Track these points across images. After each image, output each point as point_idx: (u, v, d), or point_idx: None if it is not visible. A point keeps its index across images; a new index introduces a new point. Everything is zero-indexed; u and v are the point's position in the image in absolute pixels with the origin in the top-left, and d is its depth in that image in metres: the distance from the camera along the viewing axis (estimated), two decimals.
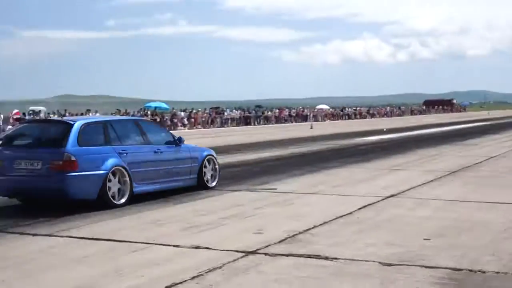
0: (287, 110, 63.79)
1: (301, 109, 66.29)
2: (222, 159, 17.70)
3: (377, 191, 10.70)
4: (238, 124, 52.87)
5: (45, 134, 9.56)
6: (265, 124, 55.53)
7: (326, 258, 6.06)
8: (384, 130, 37.06)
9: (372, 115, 77.05)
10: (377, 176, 13.11)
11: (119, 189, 9.35)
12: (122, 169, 9.36)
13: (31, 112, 47.39)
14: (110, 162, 9.21)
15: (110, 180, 9.13)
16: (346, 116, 71.84)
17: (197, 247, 6.62)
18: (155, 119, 41.67)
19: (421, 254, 6.13)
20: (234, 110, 56.07)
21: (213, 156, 11.68)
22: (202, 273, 5.60)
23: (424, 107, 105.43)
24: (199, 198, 10.34)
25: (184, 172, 10.84)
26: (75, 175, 8.74)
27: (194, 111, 50.48)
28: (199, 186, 11.13)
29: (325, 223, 7.87)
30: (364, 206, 9.10)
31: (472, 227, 7.52)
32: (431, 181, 12.02)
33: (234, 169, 14.98)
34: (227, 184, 12.09)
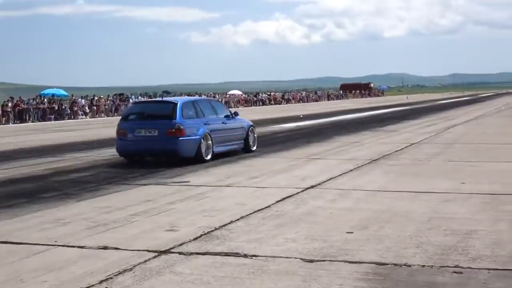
0: (197, 96, 63.58)
1: (212, 95, 66.27)
2: None
3: (296, 182, 10.85)
4: None
5: (157, 110, 14.10)
6: None
7: (245, 255, 6.09)
8: (301, 116, 37.62)
9: (288, 101, 77.94)
10: (295, 166, 13.30)
11: (206, 149, 13.69)
12: (208, 135, 13.83)
13: None
14: (201, 130, 13.68)
15: (201, 143, 13.46)
16: (260, 102, 72.35)
17: (105, 248, 6.52)
18: (53, 107, 41.21)
19: (344, 249, 6.26)
20: (139, 97, 55.27)
21: (253, 126, 16.30)
22: (111, 276, 5.52)
23: (341, 92, 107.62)
24: (104, 194, 10.17)
25: (238, 138, 15.42)
26: (183, 139, 13.14)
27: (96, 98, 49.50)
28: (245, 150, 15.69)
29: (242, 218, 7.92)
30: (283, 199, 9.20)
31: (395, 218, 7.74)
32: (351, 170, 12.30)
33: (143, 161, 14.73)
34: (135, 177, 11.98)
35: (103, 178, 12.03)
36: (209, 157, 14.08)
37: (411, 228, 7.16)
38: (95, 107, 47.70)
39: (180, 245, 6.57)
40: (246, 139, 15.93)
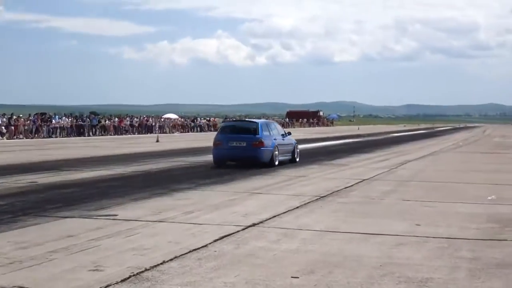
0: (128, 118, 63.18)
1: (145, 118, 65.95)
2: (48, 178, 17.30)
3: (236, 219, 10.82)
4: (69, 135, 51.71)
5: (244, 127, 20.92)
6: (102, 135, 54.73)
7: None
8: None
9: None
10: (235, 200, 13.29)
11: (275, 157, 20.48)
12: (276, 147, 20.47)
13: None
14: (272, 143, 20.33)
15: (274, 152, 20.06)
16: (198, 128, 72.35)
17: None
18: None
19: None
20: (64, 117, 54.61)
21: (297, 143, 23.86)
22: None
23: (287, 120, 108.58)
24: (21, 226, 9.93)
25: (289, 151, 22.49)
26: (263, 149, 19.63)
27: (14, 117, 48.64)
28: (291, 161, 22.94)
29: (176, 257, 7.85)
30: (222, 238, 9.16)
31: (344, 262, 7.78)
32: (297, 207, 12.35)
33: (64, 191, 14.57)
34: (56, 208, 11.75)
35: (20, 209, 11.76)
36: (277, 163, 21.57)
37: (362, 274, 7.20)
38: (13, 127, 46.85)
39: (105, 287, 6.44)
40: (293, 152, 23.40)
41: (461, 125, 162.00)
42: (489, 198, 14.17)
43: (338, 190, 15.36)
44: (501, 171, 21.85)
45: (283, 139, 22.83)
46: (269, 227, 10.15)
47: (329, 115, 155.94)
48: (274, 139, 21.90)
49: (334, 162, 25.01)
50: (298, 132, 69.86)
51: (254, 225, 10.27)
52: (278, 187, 15.99)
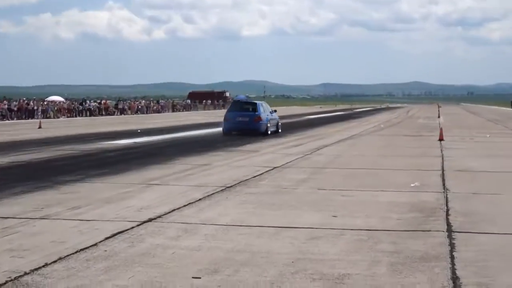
0: (5, 102, 61.77)
1: (26, 102, 64.59)
2: None
3: (130, 214, 10.77)
4: None
5: (247, 107, 32.46)
6: None
7: None
8: (139, 131, 37.69)
9: (122, 111, 77.45)
10: (130, 193, 13.21)
11: (268, 128, 31.67)
12: (269, 121, 31.77)
13: None
14: (266, 118, 31.69)
15: (267, 125, 31.44)
16: (88, 112, 71.41)
17: None
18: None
19: None
20: None
21: (279, 119, 35.48)
22: None
23: (189, 101, 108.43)
24: None
25: (275, 124, 33.28)
26: (261, 123, 31.01)
27: None
28: (276, 132, 33.57)
29: (60, 259, 7.74)
30: (114, 235, 9.10)
31: (252, 259, 7.84)
32: (200, 199, 12.36)
33: None
34: None
35: None
36: (269, 132, 32.20)
37: (272, 272, 7.26)
38: None
39: None
40: (277, 125, 34.36)
41: (383, 106, 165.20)
42: (412, 185, 14.52)
43: (246, 180, 15.44)
44: (426, 155, 22.41)
45: (272, 115, 34.21)
46: (167, 222, 10.13)
47: (236, 96, 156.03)
48: (267, 115, 33.22)
49: (242, 148, 25.12)
50: (202, 116, 69.91)
51: (150, 220, 10.23)
52: (178, 177, 15.96)
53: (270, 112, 34.35)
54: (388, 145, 26.94)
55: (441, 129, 31.40)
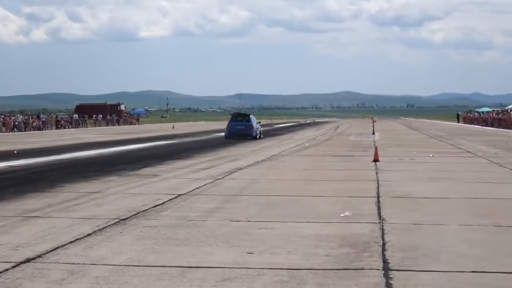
0: None
1: None
2: None
3: (4, 253, 10.64)
4: None
5: (242, 118, 56.31)
6: None
7: None
8: (15, 152, 37.50)
9: None
10: (3, 228, 13.06)
11: (258, 135, 55.97)
12: (258, 129, 56.66)
13: None
14: (256, 126, 55.63)
15: (257, 132, 55.80)
16: None
17: None
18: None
19: None
20: None
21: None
22: None
23: (76, 116, 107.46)
24: None
25: (260, 132, 57.83)
26: (253, 130, 54.55)
27: None
28: (259, 138, 55.52)
29: None
30: None
31: None
32: (89, 234, 12.28)
33: None
34: None
35: None
36: (258, 137, 54.20)
37: None
38: None
39: None
40: (260, 133, 56.40)
41: (308, 121, 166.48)
42: (342, 215, 14.60)
43: (145, 210, 15.37)
44: (358, 179, 22.64)
45: (257, 125, 55.72)
46: (50, 262, 10.00)
47: (133, 109, 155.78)
48: (256, 124, 54.01)
49: (140, 172, 25.03)
50: (92, 133, 69.34)
51: (29, 260, 10.10)
52: (63, 207, 15.77)
53: (257, 123, 56.80)
54: (313, 168, 27.09)
55: (376, 148, 31.71)
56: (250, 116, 56.68)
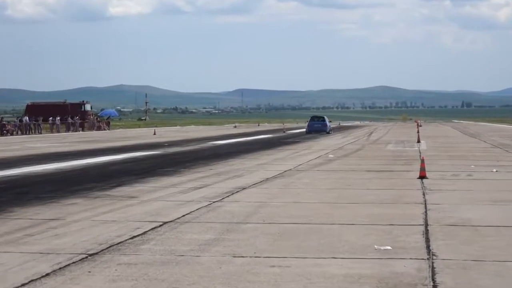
0: None
1: None
2: None
3: None
4: None
5: (319, 118, 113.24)
6: None
7: None
8: None
9: None
10: None
11: (330, 130, 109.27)
12: (330, 126, 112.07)
13: None
14: (329, 124, 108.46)
15: (330, 128, 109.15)
16: None
17: None
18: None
19: None
20: None
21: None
22: None
23: (27, 119, 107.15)
24: None
25: (331, 129, 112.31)
26: (327, 126, 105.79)
27: None
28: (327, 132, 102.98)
29: None
30: None
31: None
32: (47, 274, 12.37)
33: None
34: None
35: None
36: (330, 132, 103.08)
37: None
38: None
39: None
40: (331, 129, 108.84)
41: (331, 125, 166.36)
42: (378, 248, 14.62)
43: (120, 242, 15.46)
44: (400, 201, 22.75)
45: (330, 124, 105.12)
46: None
47: (102, 110, 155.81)
48: (328, 123, 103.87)
49: (112, 192, 25.16)
50: (46, 142, 69.12)
51: None
52: (11, 239, 15.82)
53: (329, 121, 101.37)
54: (341, 187, 27.01)
55: (422, 161, 31.46)
56: (325, 117, 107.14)
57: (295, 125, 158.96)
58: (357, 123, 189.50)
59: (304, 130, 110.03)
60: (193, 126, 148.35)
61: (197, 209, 20.64)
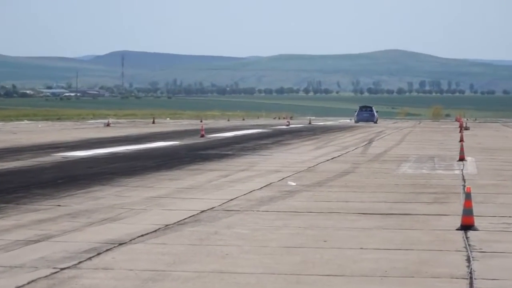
0: None
1: None
2: None
3: None
4: None
5: (367, 108, 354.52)
6: None
7: None
8: None
9: None
10: None
11: (377, 120, 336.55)
12: (377, 116, 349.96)
13: None
14: (376, 114, 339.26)
15: (376, 118, 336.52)
16: None
17: None
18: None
19: None
20: None
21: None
22: None
23: None
24: None
25: (378, 118, 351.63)
26: (375, 117, 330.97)
27: None
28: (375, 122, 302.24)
29: None
30: None
31: None
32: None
33: None
34: None
35: None
36: (377, 122, 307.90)
37: None
38: None
39: None
40: (377, 119, 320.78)
41: (283, 121, 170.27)
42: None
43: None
44: (422, 274, 22.35)
45: (377, 114, 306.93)
46: None
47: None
48: (375, 113, 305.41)
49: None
50: None
51: None
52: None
53: (376, 111, 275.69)
54: (309, 244, 26.78)
55: (467, 196, 30.64)
56: (372, 107, 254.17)
57: (223, 123, 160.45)
58: (346, 121, 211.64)
59: (247, 133, 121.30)
60: (26, 121, 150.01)
61: (27, 284, 19.53)
